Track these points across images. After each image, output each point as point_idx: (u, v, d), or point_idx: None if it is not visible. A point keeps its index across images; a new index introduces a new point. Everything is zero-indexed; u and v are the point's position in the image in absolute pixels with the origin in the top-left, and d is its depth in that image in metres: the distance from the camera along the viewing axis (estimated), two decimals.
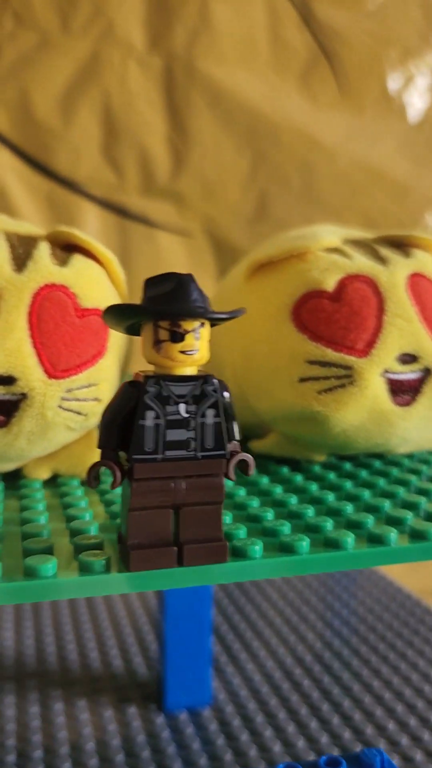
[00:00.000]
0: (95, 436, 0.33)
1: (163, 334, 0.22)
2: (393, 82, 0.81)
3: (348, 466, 0.36)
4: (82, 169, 0.73)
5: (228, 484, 0.32)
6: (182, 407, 0.22)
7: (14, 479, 0.33)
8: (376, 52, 0.80)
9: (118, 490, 0.30)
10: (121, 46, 0.73)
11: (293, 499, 0.30)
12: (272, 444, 0.36)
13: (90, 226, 0.74)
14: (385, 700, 0.47)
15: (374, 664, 0.52)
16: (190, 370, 0.23)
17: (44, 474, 0.33)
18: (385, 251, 0.35)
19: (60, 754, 0.41)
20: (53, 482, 0.33)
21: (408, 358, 0.33)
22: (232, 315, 0.22)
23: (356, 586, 0.67)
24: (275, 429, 0.36)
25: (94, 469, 0.22)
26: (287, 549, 0.25)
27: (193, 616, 0.47)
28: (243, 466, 0.24)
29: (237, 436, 0.24)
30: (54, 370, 0.29)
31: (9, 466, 0.32)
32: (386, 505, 0.29)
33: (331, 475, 0.34)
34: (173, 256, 0.75)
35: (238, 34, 0.75)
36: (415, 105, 0.82)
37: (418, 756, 0.41)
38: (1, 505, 0.29)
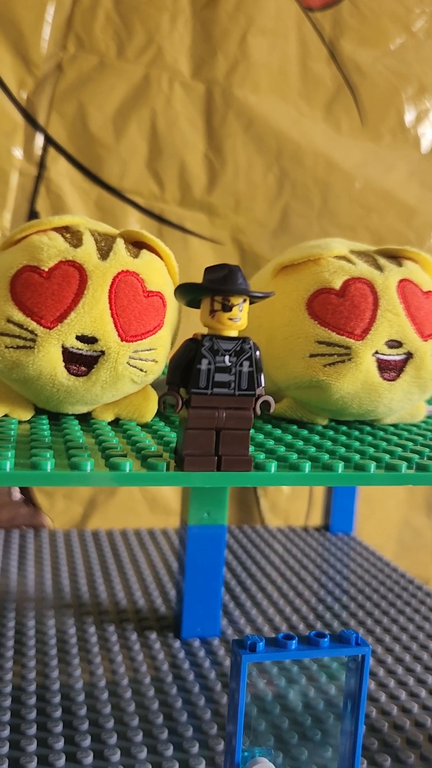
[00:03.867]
0: (150, 391, 0.43)
1: (217, 306, 0.32)
2: (409, 115, 0.90)
3: (344, 428, 0.46)
4: (129, 180, 0.82)
5: (256, 436, 0.42)
6: (227, 358, 0.32)
7: (86, 420, 0.43)
8: (395, 87, 0.89)
9: (166, 428, 0.40)
10: (168, 71, 0.83)
11: (299, 443, 0.40)
12: (285, 407, 0.45)
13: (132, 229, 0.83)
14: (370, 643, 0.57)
15: (360, 617, 0.62)
16: (233, 333, 0.32)
17: (109, 417, 0.43)
18: (382, 261, 0.45)
19: (95, 666, 0.50)
20: (115, 424, 0.43)
21: (394, 344, 0.42)
22: (266, 295, 0.32)
23: (349, 558, 0.77)
24: (288, 395, 0.45)
25: (163, 397, 0.32)
26: (294, 467, 0.34)
27: (208, 560, 0.56)
28: (266, 405, 0.33)
29: (263, 383, 0.33)
30: (125, 335, 0.39)
31: (83, 409, 0.42)
32: (370, 450, 0.39)
33: (330, 432, 0.44)
34: (204, 260, 0.84)
35: (272, 65, 0.85)
36: (427, 136, 0.91)
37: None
38: (80, 432, 0.39)
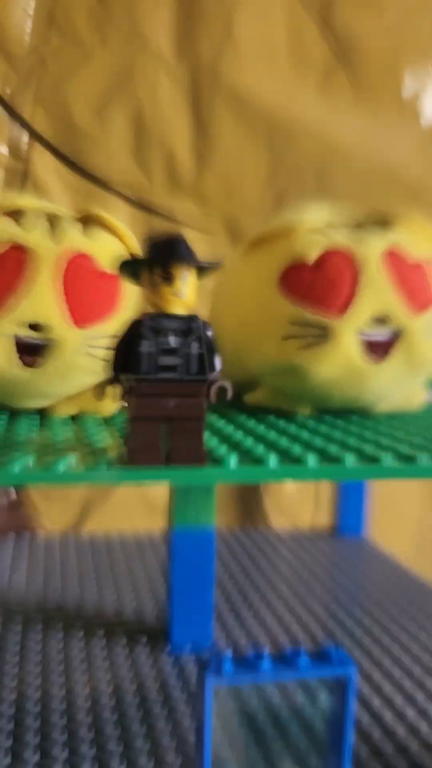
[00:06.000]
0: None
1: (158, 279, 0.28)
2: (408, 87, 0.85)
3: (328, 418, 0.42)
4: (115, 170, 0.79)
5: (219, 423, 0.38)
6: (172, 339, 0.28)
7: (46, 416, 0.39)
8: (393, 58, 0.84)
9: None
10: (152, 57, 0.80)
11: (272, 434, 0.36)
12: (262, 396, 0.42)
13: (121, 222, 0.80)
14: (374, 655, 0.51)
15: (367, 625, 0.57)
16: (180, 311, 0.29)
17: (71, 410, 0.39)
18: (367, 229, 0.41)
19: (76, 685, 0.46)
20: (80, 419, 0.39)
21: (379, 321, 0.38)
22: (211, 264, 0.28)
23: (358, 559, 0.72)
24: (264, 382, 0.41)
25: (101, 385, 0.29)
26: (257, 461, 0.30)
27: (197, 566, 0.52)
28: (223, 391, 0.30)
29: (218, 367, 0.30)
30: (79, 320, 0.36)
31: (41, 403, 0.39)
32: (352, 440, 0.35)
33: (311, 423, 0.40)
34: (195, 250, 0.81)
35: (260, 42, 0.81)
36: (429, 109, 0.86)
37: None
38: (36, 429, 0.36)
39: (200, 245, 0.84)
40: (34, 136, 0.79)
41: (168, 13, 0.79)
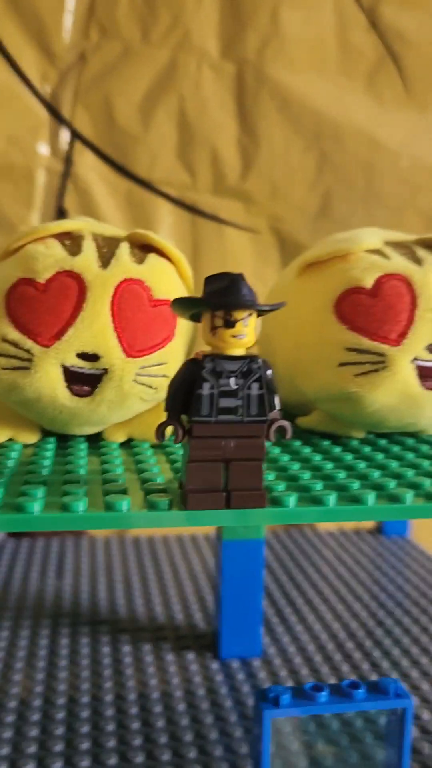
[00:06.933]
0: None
1: (219, 322, 0.27)
2: None
3: (383, 442, 0.41)
4: (159, 170, 0.79)
5: (275, 451, 0.38)
6: (232, 380, 0.28)
7: (96, 441, 0.39)
8: None
9: (180, 451, 0.36)
10: (196, 53, 0.78)
11: (329, 465, 0.35)
12: (316, 420, 0.41)
13: (164, 222, 0.79)
14: (422, 665, 0.51)
15: (414, 634, 0.57)
16: (239, 351, 0.28)
17: (121, 438, 0.39)
18: (422, 252, 0.40)
19: (127, 691, 0.47)
20: (127, 444, 0.39)
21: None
22: (274, 307, 0.28)
23: (402, 560, 0.71)
24: (319, 407, 0.41)
25: (161, 427, 0.28)
26: (317, 501, 0.30)
27: (246, 576, 0.52)
28: (282, 431, 0.29)
29: (278, 406, 0.29)
30: (131, 350, 0.35)
31: (92, 430, 0.39)
32: (410, 473, 0.34)
33: (366, 449, 0.39)
34: (240, 251, 0.80)
35: (307, 39, 0.79)
36: None
37: None
38: (86, 459, 0.36)
39: (245, 245, 0.83)
40: (75, 135, 0.78)
41: (212, 7, 0.78)
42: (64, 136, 0.78)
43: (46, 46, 0.76)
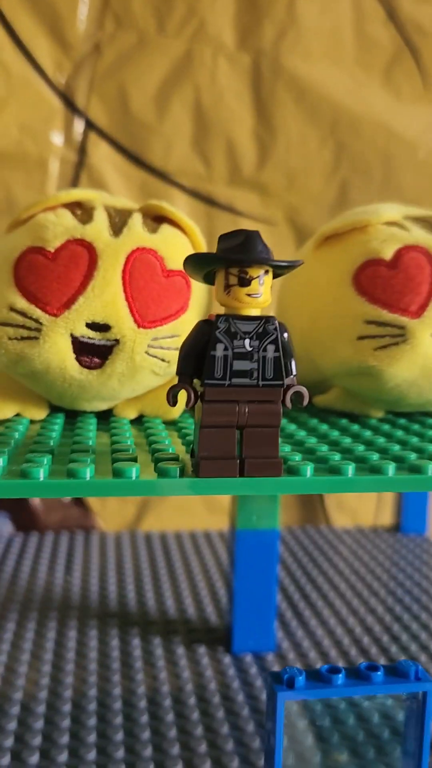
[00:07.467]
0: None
1: (233, 280, 0.26)
2: None
3: (402, 420, 0.40)
4: (174, 161, 0.78)
5: (291, 428, 0.36)
6: (247, 342, 0.26)
7: (106, 418, 0.38)
8: None
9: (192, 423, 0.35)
10: (212, 44, 0.77)
11: (347, 440, 0.34)
12: (334, 398, 0.40)
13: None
14: None
15: None
16: (254, 312, 0.27)
17: (132, 414, 0.38)
18: None
19: (135, 684, 0.46)
20: (139, 421, 0.38)
21: None
22: (291, 263, 0.26)
23: (421, 561, 0.70)
24: (337, 384, 0.39)
25: (172, 390, 0.27)
26: (334, 471, 0.29)
27: (260, 567, 0.51)
28: (299, 396, 0.28)
29: (294, 371, 0.28)
30: (142, 320, 0.34)
31: (102, 405, 0.38)
32: (430, 447, 0.33)
33: (386, 426, 0.38)
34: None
35: (323, 30, 0.78)
36: None
37: None
38: (95, 433, 0.35)
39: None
40: (90, 125, 0.78)
41: None
42: (78, 126, 0.77)
43: (61, 36, 0.76)
